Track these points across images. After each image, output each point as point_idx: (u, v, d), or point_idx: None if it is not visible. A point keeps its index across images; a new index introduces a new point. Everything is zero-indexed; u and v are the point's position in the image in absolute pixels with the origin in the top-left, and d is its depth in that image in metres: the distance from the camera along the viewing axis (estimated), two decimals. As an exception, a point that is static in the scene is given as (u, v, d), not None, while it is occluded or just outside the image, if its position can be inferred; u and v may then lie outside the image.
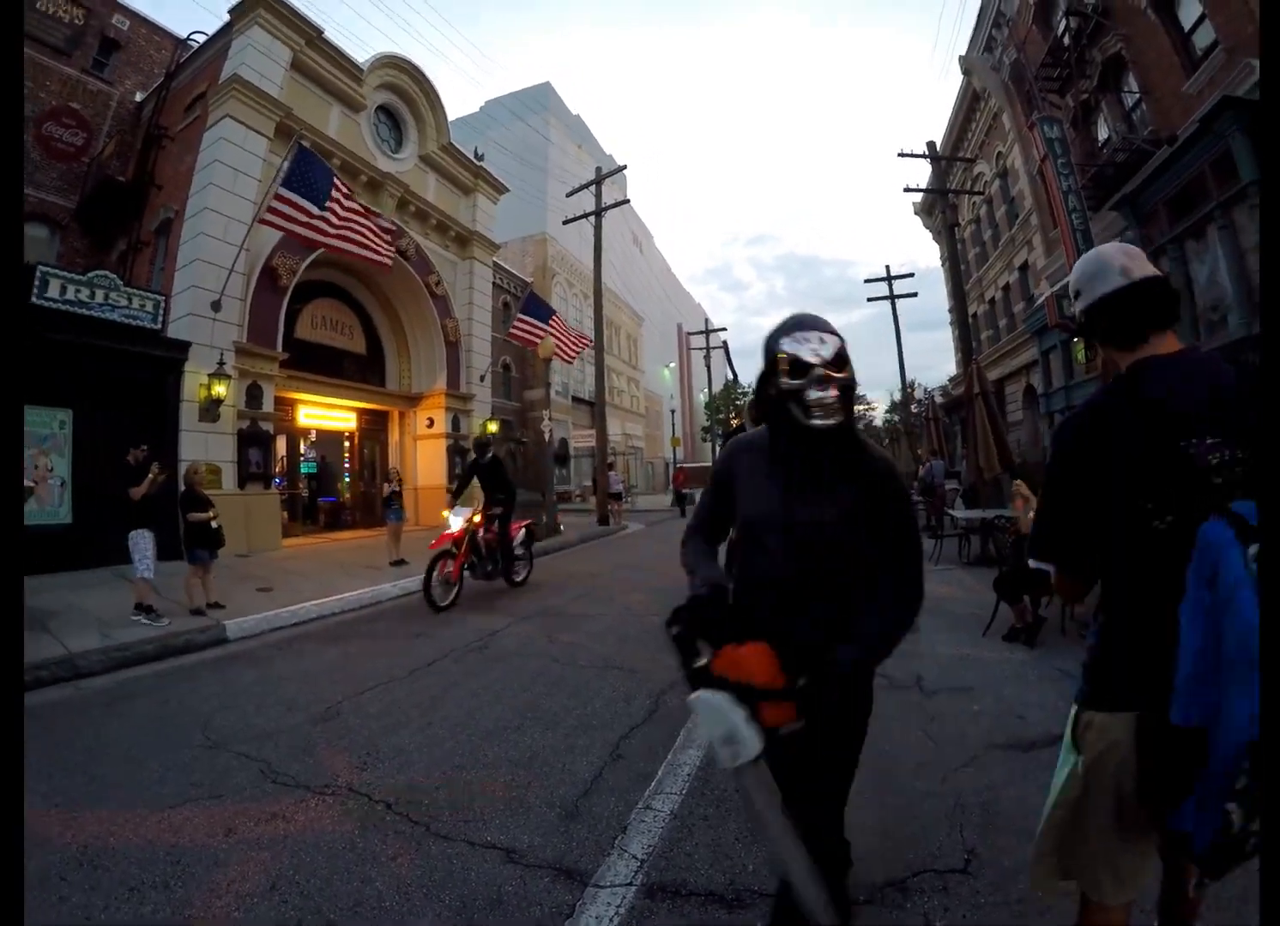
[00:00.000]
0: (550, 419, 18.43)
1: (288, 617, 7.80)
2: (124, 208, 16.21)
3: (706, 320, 49.50)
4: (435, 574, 8.09)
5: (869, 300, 27.63)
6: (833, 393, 1.60)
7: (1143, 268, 1.53)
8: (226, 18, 14.39)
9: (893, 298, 26.92)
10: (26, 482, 10.41)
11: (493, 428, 21.68)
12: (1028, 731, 3.76)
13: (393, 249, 13.40)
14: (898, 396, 37.46)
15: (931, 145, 17.80)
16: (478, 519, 8.85)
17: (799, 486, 1.72)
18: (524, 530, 9.91)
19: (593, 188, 20.83)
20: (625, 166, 23.10)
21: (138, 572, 7.19)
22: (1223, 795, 1.19)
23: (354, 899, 2.50)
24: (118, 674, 5.90)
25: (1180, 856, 1.49)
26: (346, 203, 12.48)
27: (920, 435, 28.33)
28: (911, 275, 27.03)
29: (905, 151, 17.48)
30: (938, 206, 22.21)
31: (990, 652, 5.47)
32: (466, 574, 8.77)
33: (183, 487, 8.23)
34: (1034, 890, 1.87)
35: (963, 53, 22.41)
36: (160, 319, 12.29)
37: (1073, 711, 1.58)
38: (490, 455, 9.58)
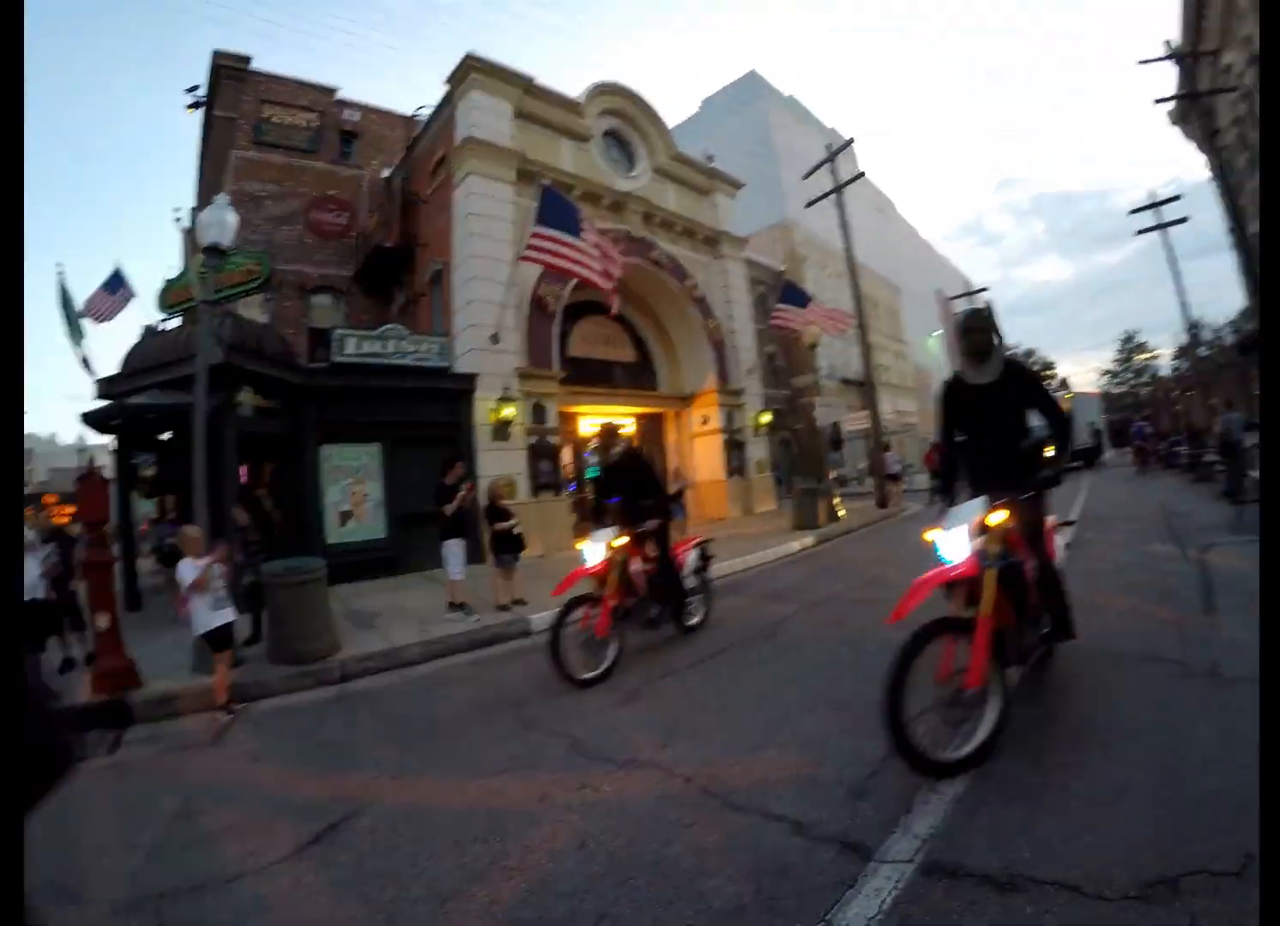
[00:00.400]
0: (820, 404, 18.36)
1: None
2: (396, 268, 19.01)
3: (965, 282, 46.45)
4: (574, 627, 5.83)
5: (1137, 233, 23.75)
6: None
7: None
8: (445, 87, 16.20)
9: (1162, 226, 23.14)
10: (346, 507, 12.62)
11: (766, 418, 22.04)
12: None
13: (616, 280, 14.06)
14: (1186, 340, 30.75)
15: (1169, 44, 15.59)
16: (623, 540, 6.16)
17: None
18: (695, 551, 7.22)
19: (827, 166, 20.48)
20: (853, 139, 22.32)
21: (451, 575, 8.33)
22: None
23: (654, 858, 2.79)
24: (435, 662, 6.84)
25: None
26: (591, 235, 13.41)
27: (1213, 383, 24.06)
28: (1179, 198, 22.83)
29: (1146, 58, 15.49)
30: (1192, 113, 19.09)
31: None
32: (621, 624, 6.11)
33: (485, 501, 9.24)
34: None
35: None
36: (447, 357, 14.12)
37: None
38: (622, 450, 6.97)
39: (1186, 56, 17.78)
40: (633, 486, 6.69)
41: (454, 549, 8.43)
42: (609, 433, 7.15)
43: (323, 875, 2.96)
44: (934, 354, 52.28)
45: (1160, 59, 15.76)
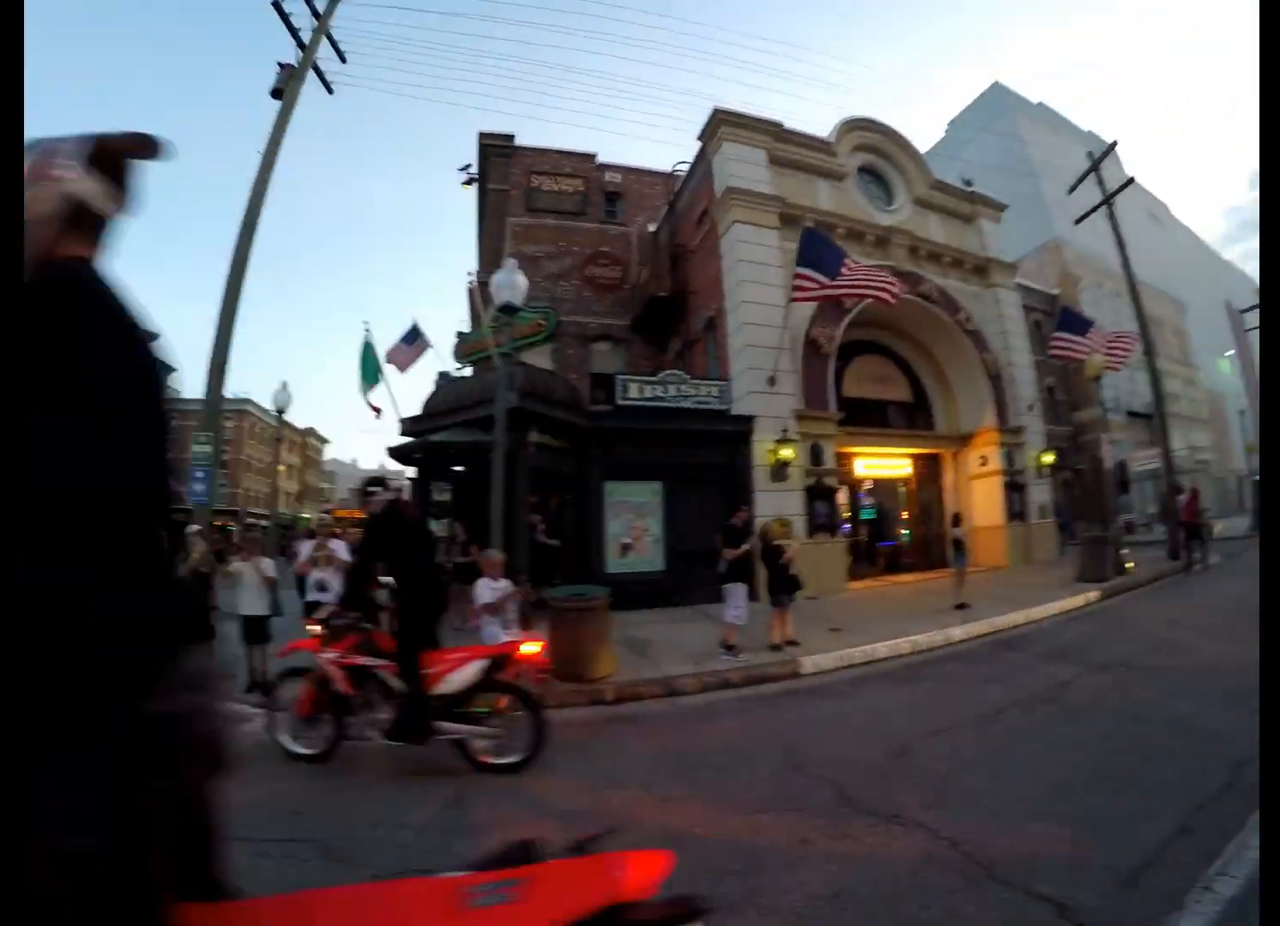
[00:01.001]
0: (1106, 441, 17.04)
1: (858, 656, 8.59)
2: (669, 316, 20.33)
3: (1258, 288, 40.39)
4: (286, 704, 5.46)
5: None
6: None
7: None
8: (698, 144, 17.33)
9: None
10: (627, 540, 13.83)
11: (1049, 458, 20.61)
12: None
13: (898, 288, 14.06)
14: None
15: None
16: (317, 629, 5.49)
17: None
18: (480, 663, 5.17)
19: (1092, 176, 19.27)
20: (1116, 143, 20.55)
21: (729, 617, 8.63)
22: None
23: (910, 919, 2.90)
24: (706, 694, 7.24)
25: None
26: (855, 265, 13.72)
27: None
28: None
29: None
30: None
31: None
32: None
33: (759, 542, 9.53)
34: None
35: None
36: (726, 399, 14.98)
37: None
38: (386, 502, 5.54)
39: None
40: (383, 549, 5.46)
41: (736, 592, 8.72)
42: (372, 481, 5.69)
43: None
44: (1227, 377, 45.08)
45: None
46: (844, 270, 13.37)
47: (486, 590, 6.69)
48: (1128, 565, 14.65)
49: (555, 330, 14.88)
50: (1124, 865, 3.25)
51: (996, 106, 38.82)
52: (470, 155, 24.03)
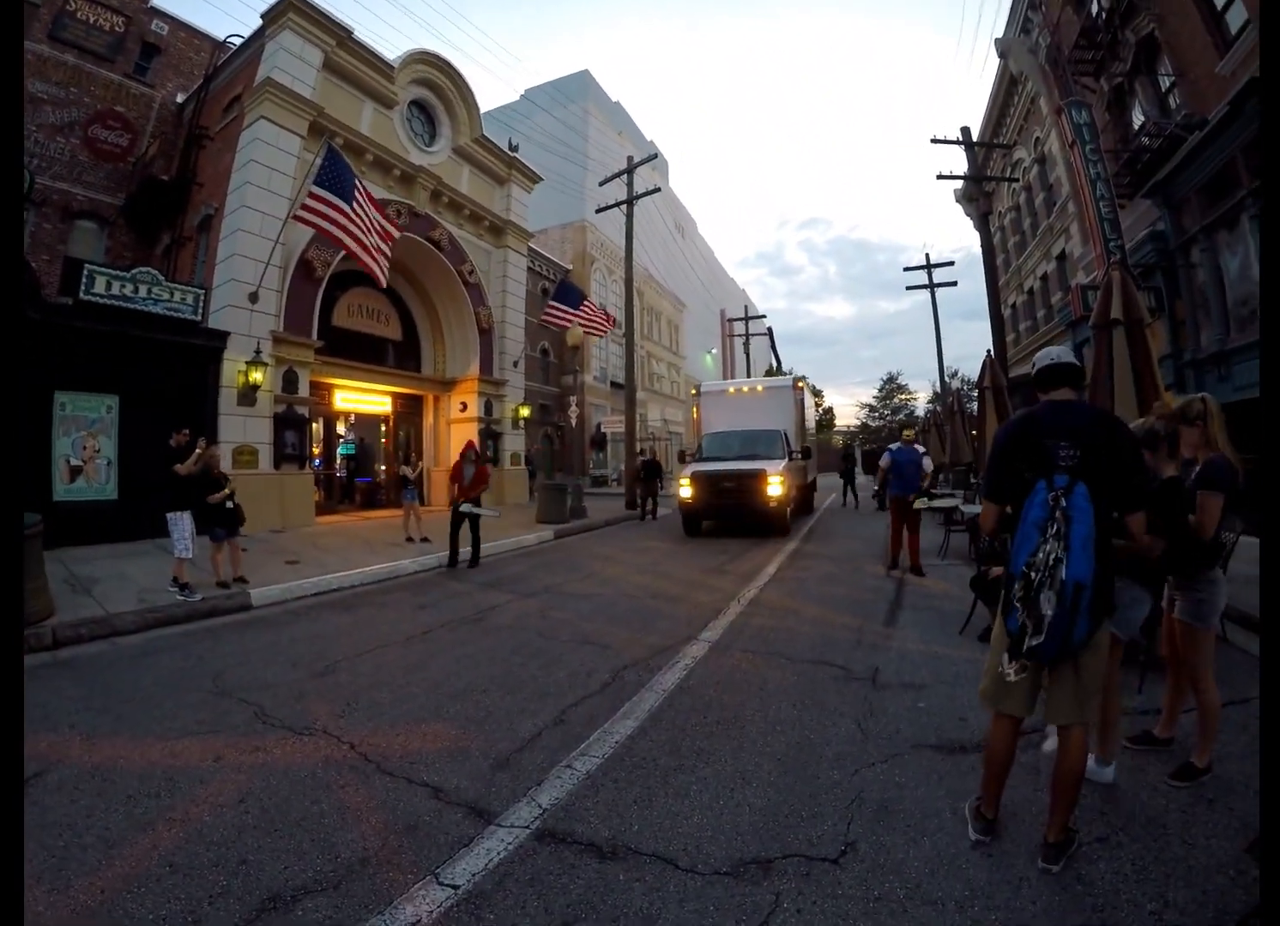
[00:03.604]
0: (577, 405, 18.80)
1: (309, 588, 8.41)
2: (168, 205, 17.08)
3: (746, 307, 49.08)
4: None
5: (908, 289, 27.27)
6: None
7: (1064, 357, 2.76)
8: (260, 21, 14.94)
9: (932, 286, 26.56)
10: (76, 462, 11.26)
11: (525, 411, 22.35)
12: (962, 734, 3.76)
13: (387, 258, 13.56)
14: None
15: (965, 131, 17.38)
16: None
17: None
18: None
19: (630, 176, 21.07)
20: (656, 155, 23.30)
21: (176, 551, 7.67)
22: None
23: (301, 814, 3.04)
24: (149, 633, 6.55)
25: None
26: (368, 207, 12.86)
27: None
28: (951, 264, 26.54)
29: (939, 138, 17.17)
30: (978, 195, 21.77)
31: (960, 651, 5.31)
32: None
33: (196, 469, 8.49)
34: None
35: (999, 35, 21.92)
36: (200, 311, 12.97)
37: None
38: None
39: (977, 145, 19.34)
40: None
41: (180, 522, 7.71)
42: None
43: None
44: (709, 369, 55.16)
45: (953, 142, 17.20)
46: (355, 206, 12.48)
47: None
48: (587, 511, 16.70)
49: (30, 196, 11.54)
50: (499, 752, 3.65)
51: (577, 91, 40.48)
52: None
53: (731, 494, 12.80)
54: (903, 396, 70.43)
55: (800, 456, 14.66)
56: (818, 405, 72.00)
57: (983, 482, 2.92)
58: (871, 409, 71.96)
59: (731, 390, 16.45)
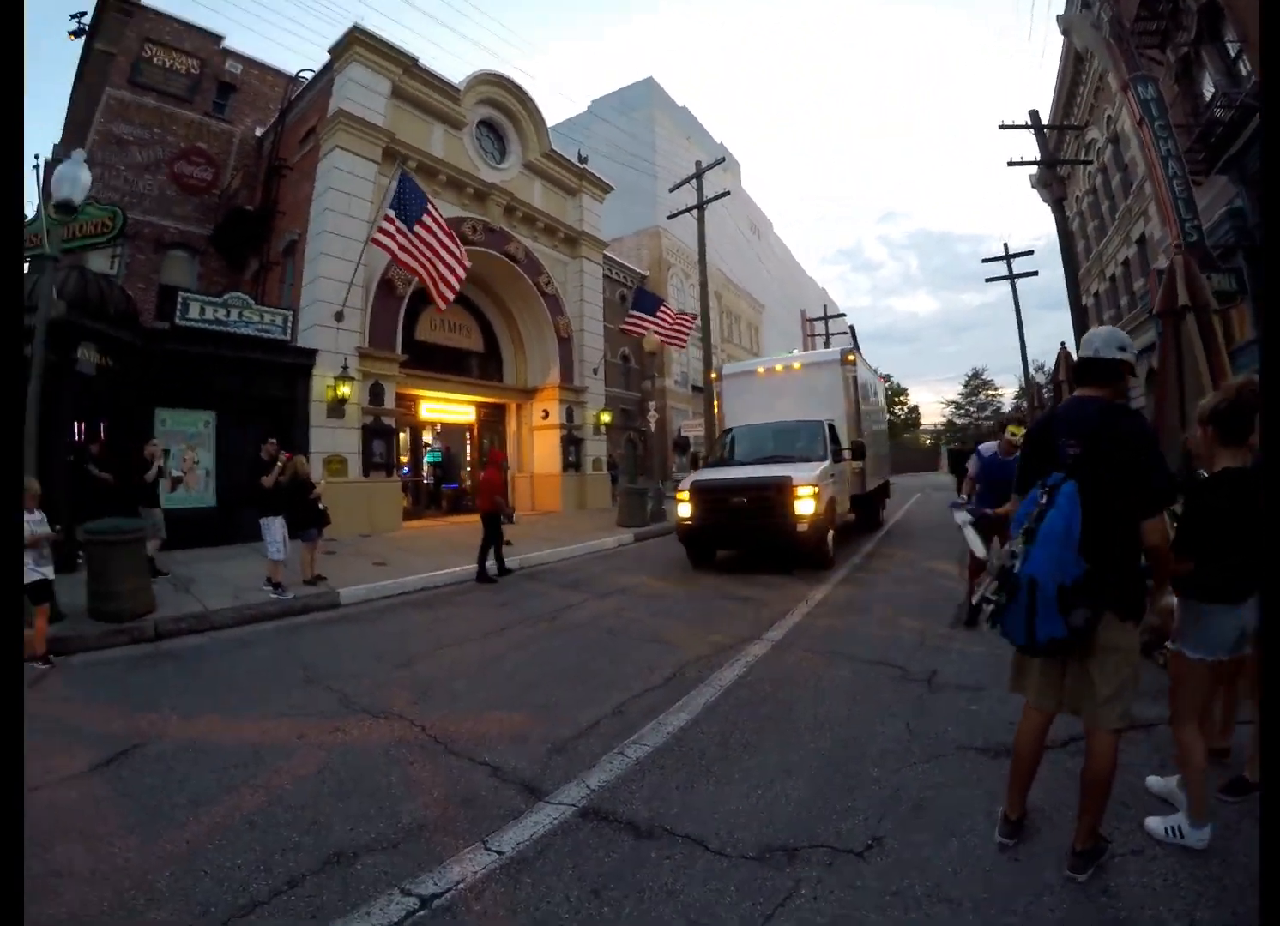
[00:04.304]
0: (656, 410, 18.99)
1: (394, 587, 8.87)
2: (253, 233, 18.29)
3: (825, 306, 48.42)
4: None
5: (987, 281, 25.97)
6: None
7: (1106, 348, 2.63)
8: (327, 56, 15.80)
9: (1012, 277, 25.38)
10: (176, 473, 12.24)
11: (606, 417, 22.67)
12: (1008, 738, 3.26)
13: (460, 280, 14.07)
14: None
15: (1034, 115, 16.93)
16: None
17: None
18: None
19: (699, 181, 21.06)
20: (723, 159, 23.27)
21: (270, 554, 8.20)
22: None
23: (371, 786, 3.38)
24: (244, 627, 7.14)
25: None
26: (438, 231, 13.44)
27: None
28: (1030, 253, 25.26)
29: (1007, 123, 16.75)
30: (1052, 180, 20.78)
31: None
32: None
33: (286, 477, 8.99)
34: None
35: (1060, 12, 20.95)
36: (289, 330, 13.84)
37: None
38: None
39: (1045, 128, 18.60)
40: None
41: (272, 526, 8.20)
42: None
43: (107, 787, 3.49)
44: None
45: (1021, 126, 16.77)
46: (422, 225, 13.04)
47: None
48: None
49: (122, 232, 12.58)
50: (558, 738, 3.89)
51: (643, 98, 40.61)
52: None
53: (745, 513, 9.35)
54: (988, 392, 67.00)
55: (851, 453, 10.61)
56: (899, 402, 68.65)
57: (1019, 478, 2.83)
58: (957, 406, 69.14)
59: (761, 370, 13.11)
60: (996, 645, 5.30)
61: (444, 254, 13.52)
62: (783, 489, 9.09)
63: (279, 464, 8.47)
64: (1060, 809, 2.85)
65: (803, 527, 8.98)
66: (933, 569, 9.07)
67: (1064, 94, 23.26)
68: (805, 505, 9.03)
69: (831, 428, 10.93)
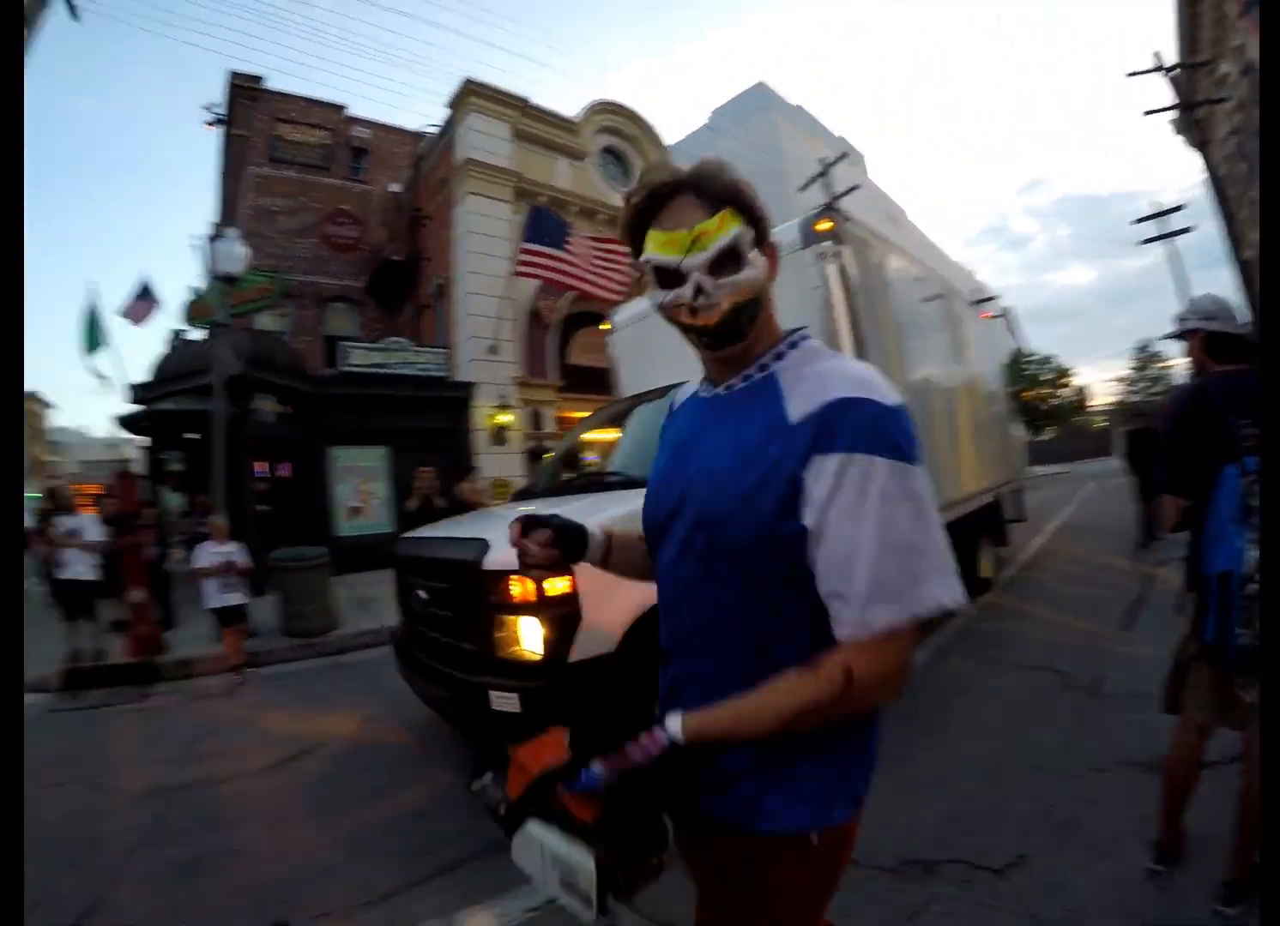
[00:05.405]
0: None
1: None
2: (403, 280, 19.98)
3: (979, 289, 45.33)
4: None
5: (1140, 243, 22.21)
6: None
7: (1229, 323, 2.46)
8: (448, 111, 17.03)
9: (1165, 236, 21.52)
10: (354, 504, 13.74)
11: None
12: None
13: (626, 280, 14.34)
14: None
15: (1158, 57, 15.71)
16: None
17: None
18: None
19: (824, 179, 20.69)
20: (846, 154, 22.75)
21: None
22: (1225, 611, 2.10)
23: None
24: None
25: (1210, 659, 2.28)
26: (589, 244, 14.09)
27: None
28: (1182, 208, 21.05)
29: (1136, 70, 15.75)
30: (1191, 124, 18.22)
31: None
32: None
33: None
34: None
35: None
36: (447, 367, 15.03)
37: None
38: None
39: (1174, 68, 16.84)
40: None
41: None
42: None
43: (286, 780, 4.14)
44: None
45: (1148, 71, 15.74)
46: (568, 246, 13.68)
47: (206, 554, 6.94)
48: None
49: (283, 293, 14.08)
50: None
51: (757, 104, 40.29)
52: (218, 96, 21.84)
53: (432, 622, 3.96)
54: (1159, 365, 58.61)
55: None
56: (1063, 383, 52.22)
57: (1159, 472, 2.53)
58: (1130, 382, 61.83)
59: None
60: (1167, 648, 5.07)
61: (599, 261, 14.13)
62: (474, 574, 3.38)
63: (415, 485, 8.48)
64: (1227, 835, 2.48)
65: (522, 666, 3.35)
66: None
67: (1188, 30, 21.40)
68: (528, 626, 3.23)
69: None
